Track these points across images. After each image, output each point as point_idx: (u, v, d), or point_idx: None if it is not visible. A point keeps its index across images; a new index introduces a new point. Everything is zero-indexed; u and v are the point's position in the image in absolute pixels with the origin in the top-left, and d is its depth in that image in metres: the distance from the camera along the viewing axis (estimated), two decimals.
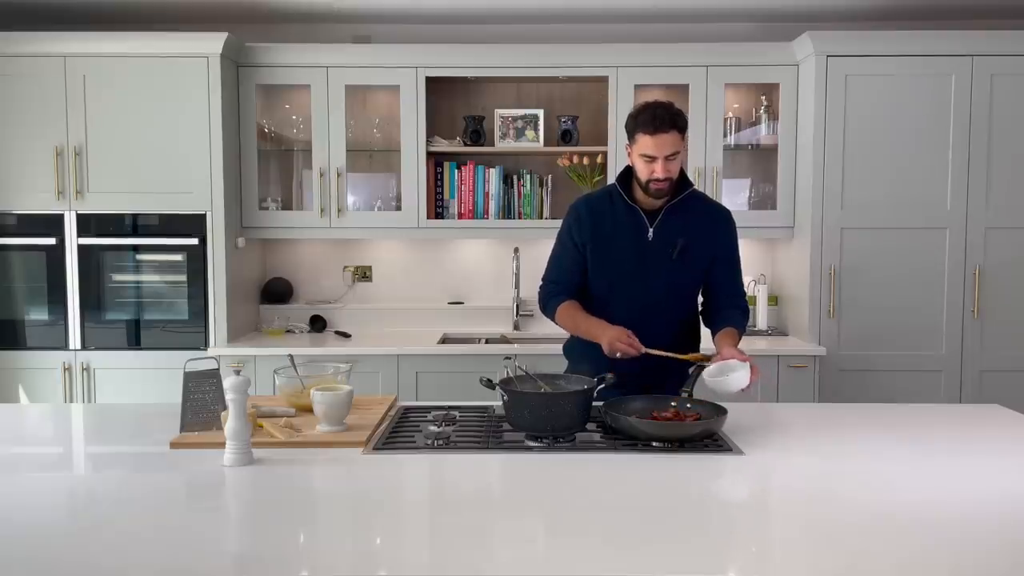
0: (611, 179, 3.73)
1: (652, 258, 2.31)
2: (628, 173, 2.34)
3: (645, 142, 2.20)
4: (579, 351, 2.40)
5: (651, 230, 2.31)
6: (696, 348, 2.38)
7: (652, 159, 2.20)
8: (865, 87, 3.52)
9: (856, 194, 3.55)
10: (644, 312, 2.31)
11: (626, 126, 2.28)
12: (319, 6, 3.74)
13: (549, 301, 2.42)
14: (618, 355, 2.18)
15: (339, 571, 1.30)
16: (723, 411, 2.00)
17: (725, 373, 2.09)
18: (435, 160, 3.86)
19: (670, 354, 2.20)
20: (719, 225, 2.39)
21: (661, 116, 2.18)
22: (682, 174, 2.33)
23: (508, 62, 3.73)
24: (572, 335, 2.45)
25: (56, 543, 1.39)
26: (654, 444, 1.91)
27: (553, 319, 2.42)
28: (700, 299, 2.47)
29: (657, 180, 2.22)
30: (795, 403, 3.34)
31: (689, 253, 2.31)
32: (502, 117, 3.85)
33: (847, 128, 3.53)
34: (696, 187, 2.41)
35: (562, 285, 2.41)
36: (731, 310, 2.38)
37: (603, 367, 2.14)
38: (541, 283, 2.48)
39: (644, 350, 2.17)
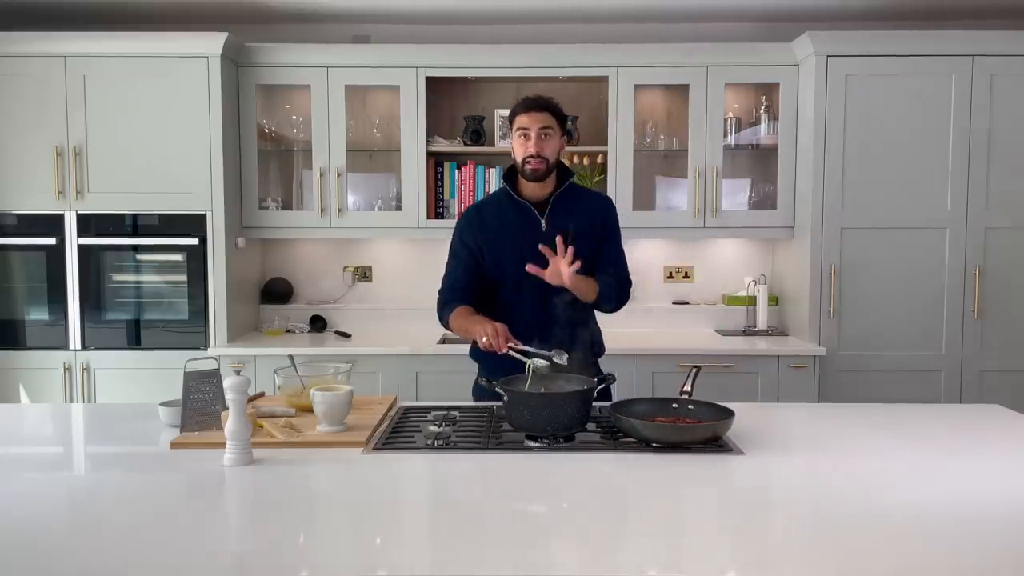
0: (611, 179, 3.74)
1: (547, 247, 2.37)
2: (513, 172, 2.46)
3: (521, 119, 2.35)
4: (480, 353, 2.40)
5: (543, 221, 2.40)
6: (596, 334, 2.50)
7: (526, 133, 2.33)
8: (865, 87, 3.52)
9: (856, 194, 3.55)
10: (546, 301, 2.35)
11: (507, 118, 2.44)
12: (319, 6, 3.74)
13: (443, 309, 2.46)
14: (484, 341, 2.19)
15: (339, 571, 1.30)
16: (729, 413, 1.97)
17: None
18: (435, 160, 3.86)
19: (530, 348, 2.18)
20: (604, 211, 2.49)
21: (535, 98, 2.38)
22: (563, 167, 2.47)
23: (508, 62, 3.73)
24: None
25: (56, 543, 1.39)
26: (654, 444, 1.91)
27: (447, 327, 2.47)
28: None
29: (531, 157, 2.33)
30: (795, 403, 3.34)
31: (579, 240, 2.36)
32: (502, 117, 3.84)
33: (847, 128, 3.53)
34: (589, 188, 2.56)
35: (456, 292, 2.46)
36: (605, 276, 2.43)
37: (501, 368, 2.19)
38: (437, 295, 2.52)
39: (504, 350, 2.16)
